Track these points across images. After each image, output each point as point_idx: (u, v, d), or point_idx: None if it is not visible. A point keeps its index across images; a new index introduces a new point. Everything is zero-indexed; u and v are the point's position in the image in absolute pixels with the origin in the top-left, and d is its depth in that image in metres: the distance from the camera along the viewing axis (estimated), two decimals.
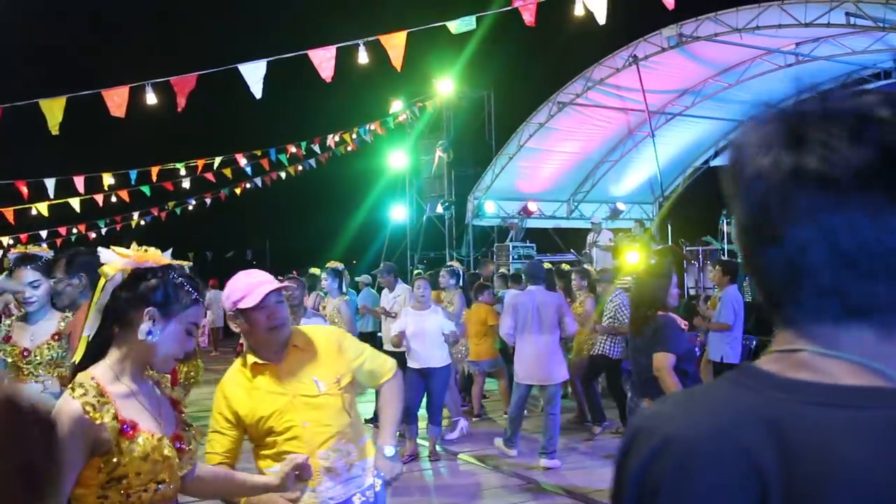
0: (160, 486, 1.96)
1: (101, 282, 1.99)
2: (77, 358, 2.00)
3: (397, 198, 20.49)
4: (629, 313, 8.17)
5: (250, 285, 2.78)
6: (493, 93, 19.28)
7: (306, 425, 2.78)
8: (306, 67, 7.09)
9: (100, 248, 2.03)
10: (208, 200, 18.60)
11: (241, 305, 2.75)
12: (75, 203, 15.02)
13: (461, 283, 9.35)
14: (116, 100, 6.63)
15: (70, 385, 1.92)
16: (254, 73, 6.44)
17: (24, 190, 12.92)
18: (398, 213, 20.41)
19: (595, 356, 8.53)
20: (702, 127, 17.40)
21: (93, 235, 19.41)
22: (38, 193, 13.35)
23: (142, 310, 1.97)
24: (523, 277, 8.39)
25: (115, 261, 2.00)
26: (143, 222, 19.46)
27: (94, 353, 2.00)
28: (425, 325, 7.35)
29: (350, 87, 16.11)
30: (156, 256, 2.04)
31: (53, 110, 6.58)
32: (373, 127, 16.49)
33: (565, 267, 10.59)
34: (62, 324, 4.02)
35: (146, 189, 15.79)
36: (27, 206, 14.80)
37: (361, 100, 21.08)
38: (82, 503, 1.89)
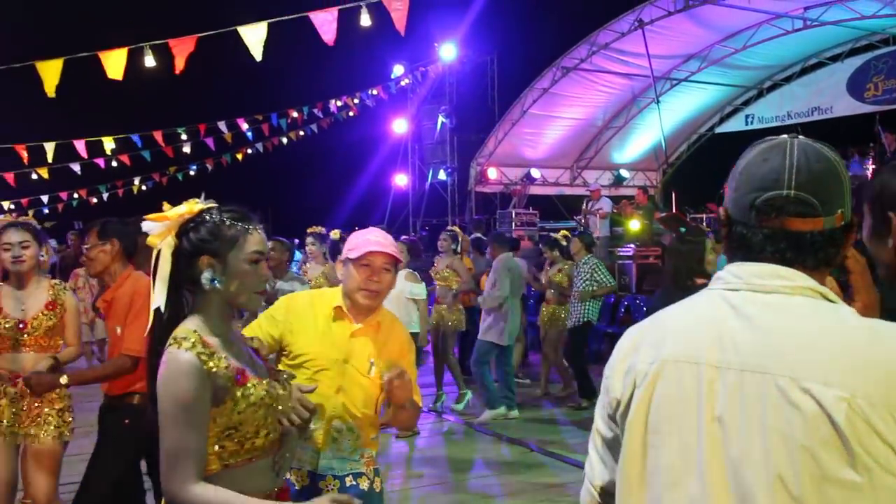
0: (270, 432, 1.97)
1: (154, 253, 1.96)
2: (148, 329, 1.98)
3: (399, 164, 20.38)
4: (603, 276, 8.35)
5: (363, 241, 2.81)
6: (497, 57, 19.07)
7: (339, 392, 2.76)
8: (308, 30, 6.98)
9: (144, 223, 1.97)
10: (209, 166, 18.50)
11: (348, 255, 2.80)
12: (76, 167, 14.94)
13: (458, 249, 9.32)
14: (114, 62, 6.53)
15: (171, 341, 1.89)
16: (254, 36, 6.33)
17: (24, 154, 12.82)
18: (400, 179, 20.31)
19: (578, 326, 8.45)
20: (707, 93, 17.24)
21: (94, 200, 19.35)
22: (39, 158, 13.25)
23: (196, 262, 1.94)
24: (493, 245, 8.51)
25: (157, 228, 1.95)
26: (144, 187, 19.37)
27: (171, 320, 1.96)
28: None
29: (352, 52, 15.91)
30: (189, 208, 1.99)
31: (50, 73, 6.48)
32: (375, 92, 16.34)
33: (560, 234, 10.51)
34: (51, 292, 3.98)
35: (146, 154, 15.69)
36: (27, 170, 14.71)
37: (363, 64, 20.88)
38: None
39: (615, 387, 1.34)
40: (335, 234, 9.45)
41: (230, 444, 1.89)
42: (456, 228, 9.70)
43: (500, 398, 7.89)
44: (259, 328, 2.82)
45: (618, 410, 1.33)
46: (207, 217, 1.97)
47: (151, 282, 1.97)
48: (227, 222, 1.97)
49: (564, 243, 9.33)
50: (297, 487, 2.75)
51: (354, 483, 2.83)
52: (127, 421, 3.77)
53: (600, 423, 1.40)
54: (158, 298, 1.94)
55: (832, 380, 1.11)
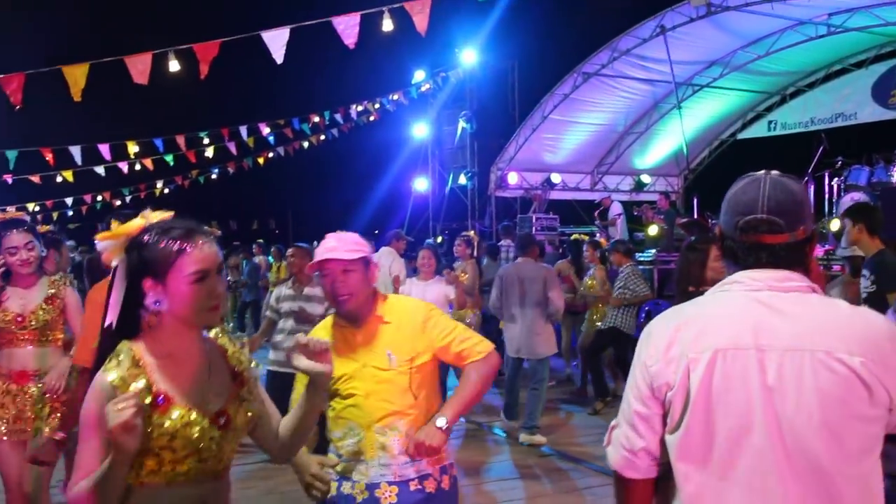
0: (200, 461, 1.91)
1: (111, 269, 1.95)
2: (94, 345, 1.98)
3: (420, 168, 20.41)
4: (641, 285, 8.33)
5: (318, 252, 2.80)
6: (518, 62, 19.06)
7: (368, 396, 2.74)
8: (330, 34, 7.02)
9: (96, 241, 1.96)
10: (231, 170, 18.63)
11: (315, 265, 2.81)
12: (100, 170, 15.10)
13: (474, 254, 9.36)
14: (139, 67, 6.60)
15: (109, 356, 1.90)
16: (276, 41, 6.38)
17: (50, 157, 12.98)
18: (421, 184, 20.34)
19: (604, 330, 8.46)
20: (729, 99, 17.13)
21: (118, 203, 19.55)
22: (64, 161, 13.42)
23: (141, 284, 1.90)
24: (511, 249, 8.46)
25: (107, 247, 1.94)
26: (166, 190, 19.55)
27: (117, 336, 1.94)
28: (427, 295, 7.07)
29: (373, 56, 16.01)
30: (133, 225, 1.94)
31: (76, 77, 6.57)
32: (396, 97, 16.38)
33: (581, 238, 10.54)
34: (52, 289, 4.00)
35: (170, 158, 15.83)
36: (52, 172, 14.90)
37: (384, 69, 20.96)
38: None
39: (665, 372, 1.71)
40: None
41: (150, 462, 1.87)
42: (471, 233, 9.72)
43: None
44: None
45: (669, 391, 1.70)
46: (146, 237, 1.91)
47: (105, 298, 1.96)
48: (164, 242, 1.89)
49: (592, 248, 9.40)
50: (358, 500, 2.74)
51: (420, 487, 2.77)
52: None
53: (637, 405, 1.77)
54: (111, 315, 1.93)
55: (854, 350, 1.60)
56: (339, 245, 2.79)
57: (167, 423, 1.86)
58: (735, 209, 1.75)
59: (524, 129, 17.09)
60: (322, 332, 2.87)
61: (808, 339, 1.62)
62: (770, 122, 17.58)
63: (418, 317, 2.87)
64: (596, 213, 16.00)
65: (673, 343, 1.71)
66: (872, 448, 1.63)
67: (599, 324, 8.59)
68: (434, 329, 2.85)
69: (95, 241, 1.95)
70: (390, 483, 2.74)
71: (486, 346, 2.90)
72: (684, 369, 1.68)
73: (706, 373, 1.66)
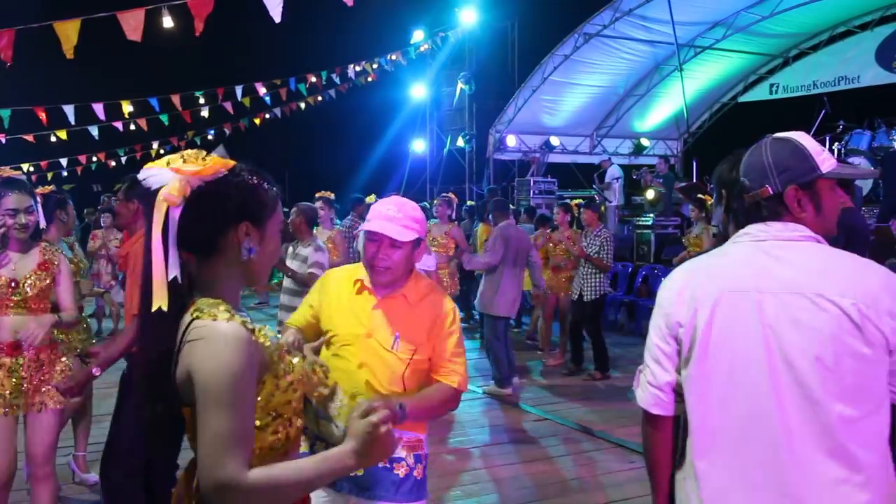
0: (300, 418, 1.74)
1: (164, 209, 1.60)
2: (164, 304, 1.60)
3: (418, 130, 20.26)
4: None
5: (373, 216, 2.69)
6: (517, 23, 18.81)
7: (361, 367, 2.65)
8: None
9: (151, 168, 1.64)
10: (227, 131, 18.45)
11: (363, 226, 2.72)
12: (94, 130, 14.92)
13: (454, 216, 9.33)
14: (132, 23, 6.45)
15: (196, 314, 1.62)
16: None
17: (43, 116, 12.81)
18: (418, 146, 20.20)
19: (597, 299, 8.31)
20: (731, 61, 16.96)
21: (112, 164, 19.39)
22: (58, 120, 13.24)
23: (233, 229, 1.67)
24: (493, 212, 8.33)
25: (175, 182, 1.61)
26: (162, 151, 19.37)
27: (186, 292, 1.66)
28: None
29: (372, 16, 15.78)
30: (218, 162, 1.67)
31: (68, 33, 6.42)
32: (394, 57, 16.17)
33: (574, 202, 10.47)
34: (46, 255, 3.83)
35: (164, 118, 15.65)
36: (46, 132, 14.72)
37: (383, 29, 20.67)
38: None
39: (678, 312, 1.93)
40: (370, 199, 9.52)
41: (268, 437, 1.66)
42: (451, 195, 9.62)
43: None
44: (301, 316, 2.82)
45: (680, 329, 1.92)
46: (245, 177, 1.70)
47: (158, 243, 1.62)
48: (265, 185, 1.72)
49: (577, 212, 9.29)
50: None
51: (389, 467, 2.67)
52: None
53: (658, 341, 1.98)
54: (174, 265, 1.62)
55: (846, 292, 1.76)
56: (396, 218, 2.65)
57: (293, 372, 1.71)
58: (743, 172, 1.99)
59: (523, 90, 16.92)
60: (345, 279, 2.79)
61: (804, 282, 1.80)
62: (772, 86, 17.42)
63: (439, 311, 2.74)
64: (595, 176, 15.92)
65: (685, 287, 1.95)
66: (872, 388, 1.76)
67: (586, 294, 8.38)
68: (441, 330, 2.73)
69: (148, 170, 1.64)
70: None
71: (463, 379, 2.75)
72: (693, 309, 1.90)
73: (711, 312, 1.87)
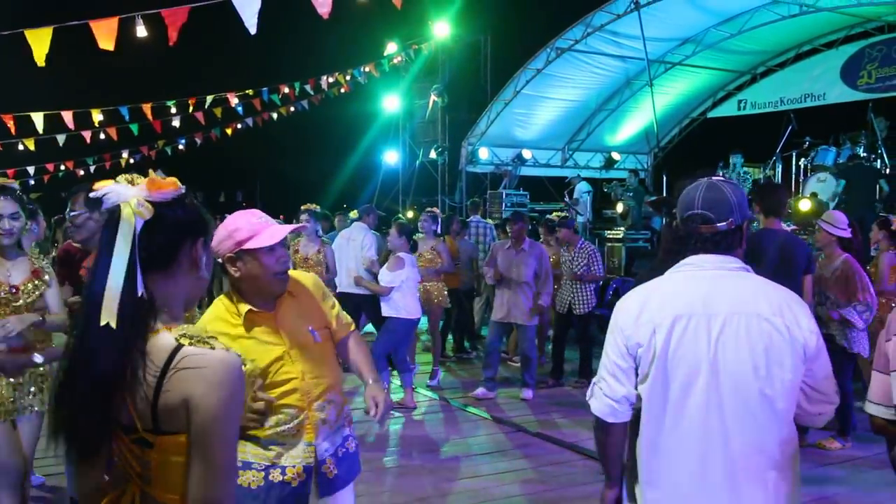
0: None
1: (127, 227, 1.61)
2: (112, 320, 1.56)
3: (390, 142, 20.26)
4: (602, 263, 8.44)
5: (258, 224, 2.58)
6: (490, 37, 18.91)
7: (304, 376, 2.68)
8: (303, 3, 6.87)
9: (106, 185, 1.65)
10: (198, 140, 18.32)
11: (250, 245, 2.53)
12: (62, 139, 14.74)
13: (439, 230, 9.31)
14: (105, 31, 6.41)
15: (199, 339, 1.61)
16: (249, 8, 6.22)
17: (11, 124, 12.63)
18: (391, 158, 20.20)
19: (587, 314, 8.49)
20: (701, 77, 17.19)
21: (81, 173, 19.15)
22: (26, 128, 13.06)
23: (190, 244, 1.71)
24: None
25: (134, 197, 1.63)
26: (132, 161, 19.18)
27: (149, 310, 1.64)
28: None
29: (346, 28, 15.79)
30: (170, 183, 1.71)
31: (39, 41, 6.36)
32: (367, 69, 16.18)
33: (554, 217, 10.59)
34: (36, 263, 3.82)
35: (135, 127, 15.50)
36: (14, 140, 14.52)
37: (356, 41, 20.73)
38: None
39: (637, 334, 2.21)
40: (353, 214, 9.50)
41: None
42: (436, 210, 9.66)
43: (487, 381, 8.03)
44: None
45: (640, 348, 2.20)
46: (192, 197, 1.77)
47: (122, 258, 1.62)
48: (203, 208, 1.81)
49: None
50: (293, 486, 2.64)
51: (345, 448, 2.82)
52: None
53: (617, 359, 2.25)
54: (141, 282, 1.62)
55: (776, 312, 2.16)
56: (271, 219, 2.70)
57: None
58: (681, 206, 2.32)
59: (496, 103, 16.99)
60: (228, 319, 2.66)
61: (745, 305, 2.17)
62: (740, 102, 17.69)
63: (318, 286, 2.88)
64: (566, 192, 16.03)
65: (643, 311, 2.22)
66: (791, 392, 2.16)
67: (577, 308, 8.53)
68: (328, 297, 2.91)
69: (110, 188, 1.64)
70: (331, 455, 2.75)
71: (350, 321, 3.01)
72: (651, 331, 2.19)
73: (667, 333, 2.17)
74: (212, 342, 1.61)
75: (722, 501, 2.13)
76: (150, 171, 1.72)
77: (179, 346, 1.59)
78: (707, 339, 2.14)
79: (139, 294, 1.60)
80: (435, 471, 5.75)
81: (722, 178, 2.34)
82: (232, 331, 2.62)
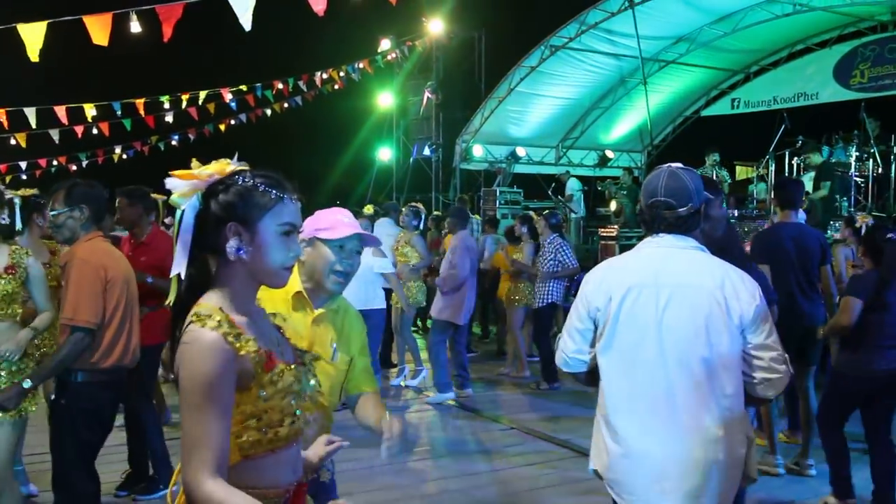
0: (295, 421, 1.81)
1: (177, 214, 1.77)
2: (171, 299, 1.79)
3: (384, 139, 20.23)
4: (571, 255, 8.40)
5: (338, 221, 2.69)
6: (485, 34, 18.91)
7: None
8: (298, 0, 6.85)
9: (169, 179, 1.78)
10: (192, 136, 18.25)
11: (323, 235, 2.65)
12: (55, 134, 14.68)
13: (420, 226, 9.28)
14: (99, 27, 6.39)
15: (193, 318, 1.70)
16: (243, 4, 6.22)
17: (4, 119, 12.57)
18: (385, 155, 20.18)
19: (543, 307, 8.47)
20: (694, 75, 17.23)
21: (73, 168, 19.07)
22: (19, 123, 13.00)
23: (223, 229, 1.75)
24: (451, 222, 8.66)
25: (183, 187, 1.76)
26: (125, 156, 19.10)
27: (193, 289, 1.78)
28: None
29: (340, 24, 15.72)
30: (218, 168, 1.80)
31: (33, 36, 6.34)
32: (361, 65, 16.16)
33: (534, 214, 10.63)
34: (12, 259, 3.77)
35: (127, 122, 15.43)
36: (6, 135, 14.45)
37: (351, 37, 20.65)
38: None
39: (596, 299, 2.63)
40: (368, 209, 9.49)
41: (252, 434, 1.73)
42: (419, 205, 9.66)
43: (457, 377, 7.95)
44: None
45: (598, 312, 2.62)
46: (239, 180, 1.79)
47: (174, 244, 1.78)
48: (260, 187, 1.79)
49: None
50: None
51: (315, 475, 2.68)
52: (63, 401, 3.64)
53: (577, 322, 2.69)
54: (178, 265, 1.76)
55: (717, 285, 2.51)
56: (356, 223, 2.74)
57: (280, 382, 1.77)
58: (645, 193, 2.66)
59: (490, 101, 17.01)
60: (281, 290, 2.66)
61: (691, 278, 2.55)
62: (733, 100, 17.73)
63: (360, 326, 2.85)
64: (554, 189, 16.03)
65: (603, 280, 2.65)
66: (729, 356, 2.49)
67: (535, 303, 8.53)
68: (366, 351, 2.83)
69: (168, 180, 1.77)
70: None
71: (374, 381, 2.87)
72: (608, 298, 2.60)
73: (620, 300, 2.57)
74: (208, 320, 1.69)
75: (665, 436, 2.50)
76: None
77: (189, 323, 1.72)
78: (655, 306, 2.52)
79: (177, 273, 1.77)
80: (429, 469, 5.76)
81: (681, 166, 2.65)
82: (280, 303, 2.62)
